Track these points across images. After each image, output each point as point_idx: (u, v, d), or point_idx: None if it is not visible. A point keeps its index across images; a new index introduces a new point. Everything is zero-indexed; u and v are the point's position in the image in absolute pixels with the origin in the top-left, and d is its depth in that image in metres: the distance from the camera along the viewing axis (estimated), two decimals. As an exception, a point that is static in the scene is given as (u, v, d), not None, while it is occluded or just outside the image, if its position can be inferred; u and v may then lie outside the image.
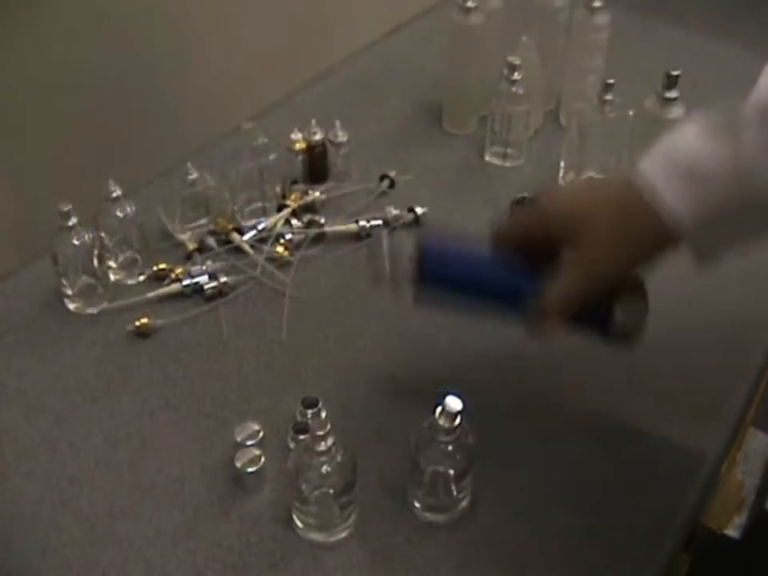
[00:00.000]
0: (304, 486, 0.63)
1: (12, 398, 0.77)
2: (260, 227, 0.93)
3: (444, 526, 0.67)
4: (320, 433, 0.60)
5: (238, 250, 0.92)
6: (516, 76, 0.98)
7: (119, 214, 0.86)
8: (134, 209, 0.86)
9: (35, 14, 0.83)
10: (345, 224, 0.94)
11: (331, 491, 0.62)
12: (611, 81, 0.93)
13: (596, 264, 0.61)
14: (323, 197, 0.98)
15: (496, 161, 1.06)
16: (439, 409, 0.62)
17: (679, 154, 0.59)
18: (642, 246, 0.60)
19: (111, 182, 0.84)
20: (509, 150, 1.05)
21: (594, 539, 0.66)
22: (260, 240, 0.93)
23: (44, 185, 0.90)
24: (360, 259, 0.92)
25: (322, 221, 0.94)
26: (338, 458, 0.62)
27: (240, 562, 0.64)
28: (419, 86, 1.18)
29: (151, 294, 0.86)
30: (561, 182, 1.02)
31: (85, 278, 0.85)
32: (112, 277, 0.88)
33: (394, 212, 0.96)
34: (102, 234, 0.86)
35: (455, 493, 0.65)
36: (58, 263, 0.83)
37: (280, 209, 0.96)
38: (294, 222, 0.95)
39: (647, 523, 0.67)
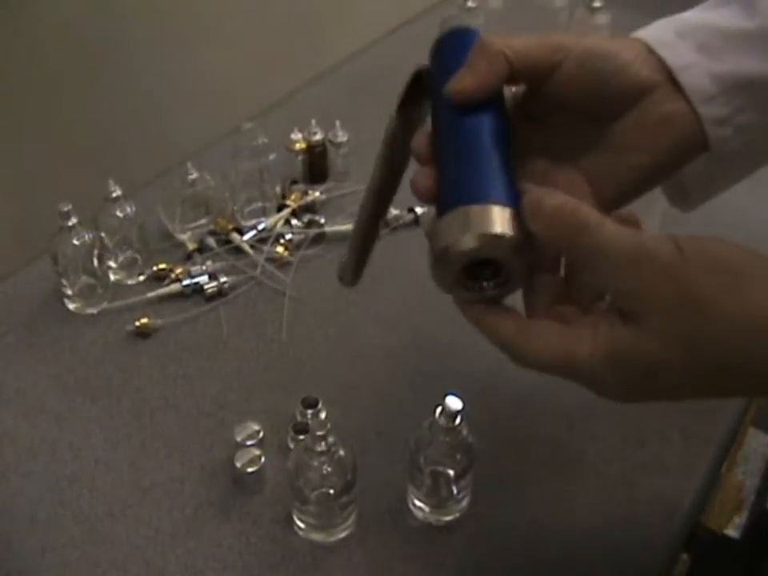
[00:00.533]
0: (304, 486, 0.63)
1: (12, 398, 0.77)
2: (260, 227, 0.93)
3: (444, 525, 0.67)
4: (320, 433, 0.60)
5: (238, 249, 0.92)
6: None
7: (119, 214, 0.86)
8: (134, 209, 0.86)
9: (35, 13, 0.82)
10: (345, 224, 0.94)
11: (331, 491, 0.62)
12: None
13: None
14: (323, 197, 0.98)
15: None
16: (439, 409, 0.62)
17: (686, 20, 0.50)
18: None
19: (111, 182, 0.84)
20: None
21: (594, 539, 0.66)
22: (260, 240, 0.93)
23: (44, 185, 0.90)
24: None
25: (322, 221, 0.95)
26: (338, 458, 0.62)
27: (240, 562, 0.64)
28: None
29: (151, 294, 0.86)
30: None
31: (85, 278, 0.85)
32: (112, 277, 0.88)
33: (394, 212, 0.96)
34: (102, 234, 0.86)
35: (455, 493, 0.65)
36: (58, 263, 0.83)
37: (280, 209, 0.96)
38: (294, 221, 0.95)
39: (647, 523, 0.67)
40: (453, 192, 0.44)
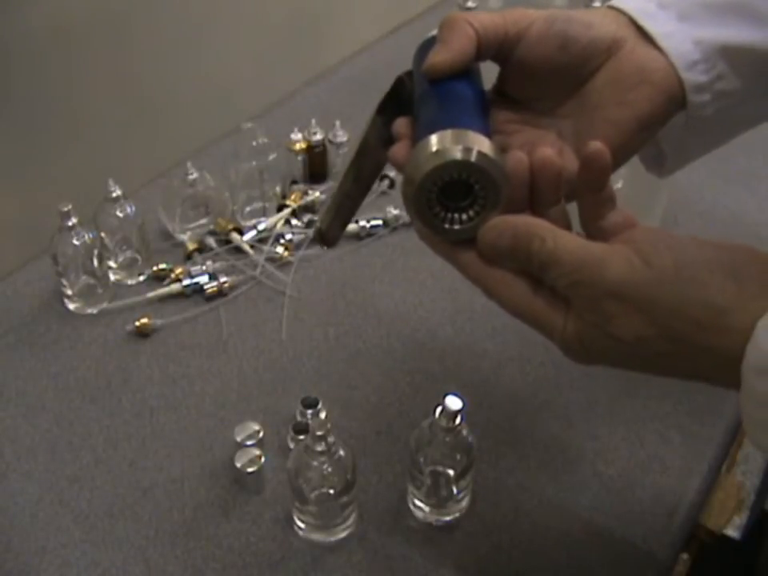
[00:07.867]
0: (304, 486, 0.63)
1: (12, 398, 0.77)
2: (260, 227, 0.93)
3: (444, 525, 0.67)
4: (320, 433, 0.60)
5: (238, 249, 0.92)
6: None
7: (119, 214, 0.86)
8: (133, 209, 0.86)
9: (35, 13, 0.83)
10: (345, 224, 0.94)
11: (331, 491, 0.62)
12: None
13: None
14: (323, 197, 0.98)
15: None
16: (439, 409, 0.62)
17: None
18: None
19: (111, 182, 0.84)
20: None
21: (594, 539, 0.66)
22: (260, 240, 0.93)
23: (44, 185, 0.90)
24: (360, 259, 0.92)
25: (322, 221, 0.95)
26: (338, 458, 0.62)
27: (240, 562, 0.64)
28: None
29: (151, 294, 0.86)
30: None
31: (85, 278, 0.85)
32: (112, 277, 0.88)
33: (394, 212, 0.96)
34: (102, 234, 0.86)
35: (455, 493, 0.65)
36: (58, 263, 0.83)
37: (280, 209, 0.96)
38: (294, 221, 0.95)
39: (647, 523, 0.67)
40: (428, 129, 0.44)
